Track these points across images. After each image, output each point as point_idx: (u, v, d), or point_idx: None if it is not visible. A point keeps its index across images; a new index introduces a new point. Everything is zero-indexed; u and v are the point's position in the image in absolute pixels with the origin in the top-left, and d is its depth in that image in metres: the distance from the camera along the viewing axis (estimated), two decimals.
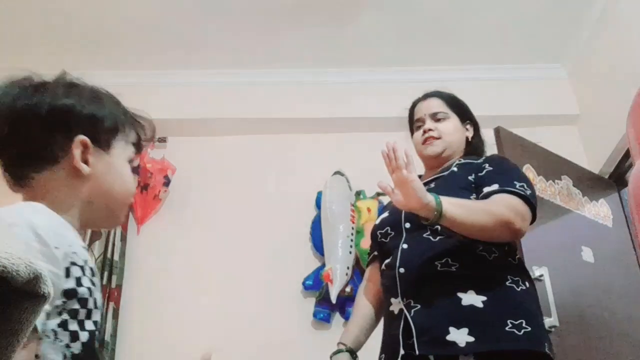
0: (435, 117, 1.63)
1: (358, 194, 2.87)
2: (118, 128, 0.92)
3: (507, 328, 1.25)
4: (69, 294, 0.72)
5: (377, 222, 1.60)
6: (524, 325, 1.25)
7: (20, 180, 0.85)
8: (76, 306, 0.73)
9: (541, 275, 2.10)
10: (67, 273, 0.72)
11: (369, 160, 2.95)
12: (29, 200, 0.81)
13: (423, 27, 2.96)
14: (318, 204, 2.83)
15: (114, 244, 2.72)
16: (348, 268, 2.60)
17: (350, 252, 2.63)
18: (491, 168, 1.46)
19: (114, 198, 0.88)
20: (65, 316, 0.72)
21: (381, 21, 2.92)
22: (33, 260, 0.67)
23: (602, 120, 2.87)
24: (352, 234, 2.68)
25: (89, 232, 2.75)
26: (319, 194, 2.84)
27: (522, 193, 1.37)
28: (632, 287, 2.46)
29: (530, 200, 1.37)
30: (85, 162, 0.83)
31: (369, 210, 2.78)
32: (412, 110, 1.73)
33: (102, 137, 0.86)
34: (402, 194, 1.27)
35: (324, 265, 2.66)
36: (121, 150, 0.90)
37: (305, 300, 2.68)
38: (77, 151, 0.82)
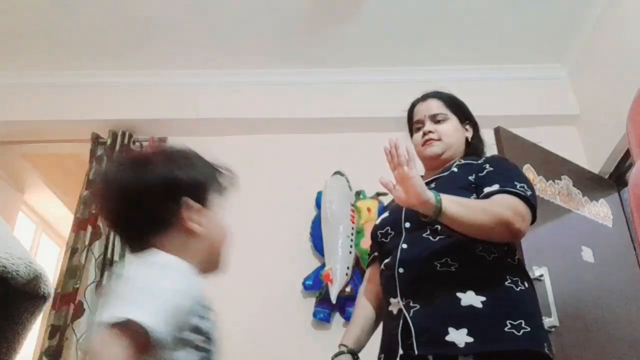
0: (434, 119, 1.62)
1: (358, 194, 2.87)
2: (211, 184, 1.04)
3: (506, 328, 1.24)
4: (197, 330, 0.85)
5: (378, 222, 1.60)
6: (523, 325, 1.25)
7: (140, 248, 0.91)
8: (199, 339, 0.86)
9: (541, 275, 2.09)
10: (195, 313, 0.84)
11: (369, 160, 2.95)
12: None
13: (423, 28, 2.96)
14: (318, 204, 2.83)
15: (114, 244, 2.71)
16: (348, 268, 2.60)
17: (350, 252, 2.63)
18: (492, 168, 1.46)
19: (220, 246, 1.02)
20: (190, 348, 0.84)
21: (381, 21, 2.92)
22: (32, 260, 0.67)
23: (602, 120, 2.87)
24: (352, 234, 2.68)
25: (89, 232, 2.75)
26: (319, 194, 2.84)
27: (523, 194, 1.37)
28: (632, 287, 2.46)
29: (531, 201, 1.37)
30: (194, 221, 0.94)
31: (369, 210, 2.78)
32: (410, 112, 1.72)
33: (202, 196, 0.98)
34: (402, 191, 1.27)
35: (324, 265, 2.66)
36: (215, 201, 1.03)
37: (305, 300, 2.67)
38: (187, 214, 0.93)
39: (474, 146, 1.66)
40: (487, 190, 1.39)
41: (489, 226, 1.30)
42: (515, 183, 1.39)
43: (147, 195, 0.92)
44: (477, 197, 1.41)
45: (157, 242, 0.91)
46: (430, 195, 1.25)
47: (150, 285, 0.81)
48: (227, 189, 1.08)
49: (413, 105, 1.72)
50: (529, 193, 1.38)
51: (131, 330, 0.73)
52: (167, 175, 0.94)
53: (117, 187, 0.93)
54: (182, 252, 0.90)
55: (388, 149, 1.31)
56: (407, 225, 1.45)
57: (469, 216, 1.29)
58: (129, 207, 0.92)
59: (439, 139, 1.59)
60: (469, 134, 1.67)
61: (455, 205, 1.28)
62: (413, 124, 1.69)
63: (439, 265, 1.35)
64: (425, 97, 1.69)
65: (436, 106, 1.65)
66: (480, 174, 1.46)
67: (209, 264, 0.99)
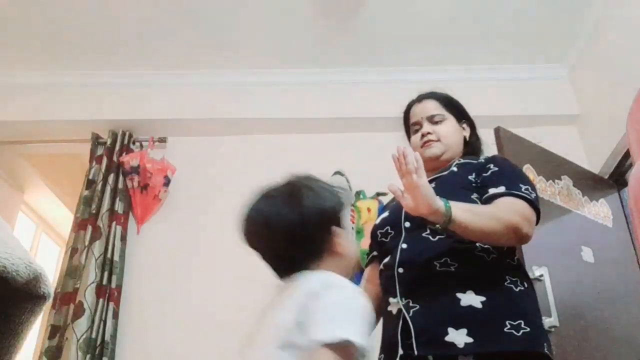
0: (432, 120, 1.62)
1: (358, 194, 2.87)
2: (343, 207, 1.12)
3: (505, 329, 1.24)
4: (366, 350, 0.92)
5: (378, 221, 1.60)
6: (522, 325, 1.25)
7: (294, 272, 1.05)
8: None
9: (541, 275, 2.10)
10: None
11: (369, 160, 2.97)
12: None
13: (423, 28, 2.96)
14: None
15: (114, 244, 2.71)
16: None
17: None
18: (496, 168, 1.46)
19: (355, 257, 1.14)
20: None
21: (381, 21, 2.92)
22: (32, 260, 0.67)
23: (602, 120, 2.87)
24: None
25: (89, 232, 2.75)
26: None
27: (528, 197, 1.37)
28: (632, 287, 2.46)
29: (536, 204, 1.38)
30: (340, 244, 1.05)
31: (369, 210, 2.78)
32: (406, 113, 1.72)
33: (340, 220, 1.08)
34: (411, 199, 1.25)
35: None
36: (344, 218, 1.11)
37: None
38: (337, 240, 1.04)
39: (472, 145, 1.66)
40: (492, 191, 1.39)
41: (498, 232, 1.30)
42: (521, 185, 1.39)
43: (307, 230, 1.03)
44: (481, 197, 1.41)
45: (314, 266, 1.03)
46: (440, 204, 1.24)
47: (348, 305, 0.93)
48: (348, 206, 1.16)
49: (409, 107, 1.71)
50: (533, 196, 1.39)
51: (347, 350, 0.87)
52: (319, 208, 1.05)
53: (279, 225, 1.05)
54: (340, 270, 1.03)
55: (396, 156, 1.28)
56: (407, 225, 1.45)
57: (479, 224, 1.29)
58: (292, 242, 1.04)
59: (438, 140, 1.59)
60: (467, 133, 1.67)
61: (464, 214, 1.26)
62: (410, 126, 1.69)
63: (438, 265, 1.35)
64: (421, 98, 1.69)
65: (433, 107, 1.64)
66: (484, 174, 1.46)
67: (347, 270, 1.10)
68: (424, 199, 1.23)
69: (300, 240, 1.04)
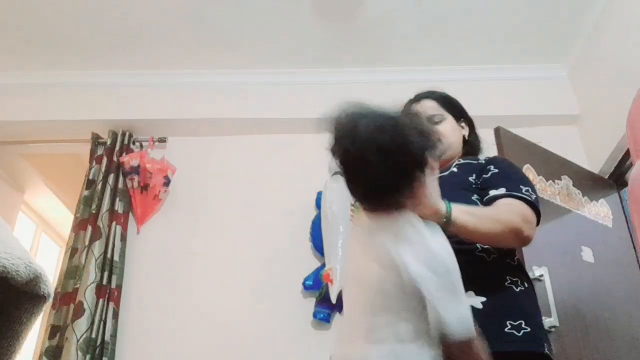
0: (431, 120, 1.61)
1: None
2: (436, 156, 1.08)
3: (506, 329, 1.24)
4: None
5: None
6: (523, 326, 1.25)
7: (379, 209, 1.03)
8: None
9: (541, 275, 2.10)
10: None
11: None
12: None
13: (423, 27, 2.96)
14: (318, 204, 2.83)
15: (114, 244, 2.71)
16: None
17: None
18: (497, 170, 1.46)
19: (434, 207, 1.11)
20: None
21: (381, 21, 2.92)
22: (32, 260, 0.67)
23: (602, 120, 2.87)
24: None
25: (89, 232, 2.75)
26: (319, 194, 2.83)
27: (529, 198, 1.37)
28: (632, 287, 2.46)
29: (536, 206, 1.38)
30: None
31: None
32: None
33: (429, 167, 1.04)
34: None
35: (324, 265, 2.66)
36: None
37: (305, 300, 2.67)
38: (423, 189, 1.02)
39: (471, 144, 1.66)
40: (493, 193, 1.39)
41: (499, 235, 1.31)
42: (521, 187, 1.39)
43: (404, 165, 0.99)
44: (482, 199, 1.41)
45: (395, 204, 0.99)
46: (441, 205, 1.24)
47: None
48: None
49: (406, 107, 1.70)
50: (533, 197, 1.39)
51: None
52: (417, 148, 1.00)
53: (378, 152, 0.98)
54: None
55: None
56: None
57: (480, 226, 1.29)
58: (386, 171, 0.99)
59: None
60: (466, 132, 1.66)
61: (465, 216, 1.27)
62: None
63: None
64: (419, 98, 1.68)
65: (431, 107, 1.64)
66: (484, 176, 1.45)
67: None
68: (426, 199, 1.22)
69: (394, 175, 0.99)
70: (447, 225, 1.25)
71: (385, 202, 1.01)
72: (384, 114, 1.03)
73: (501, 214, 1.32)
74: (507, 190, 1.38)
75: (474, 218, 1.29)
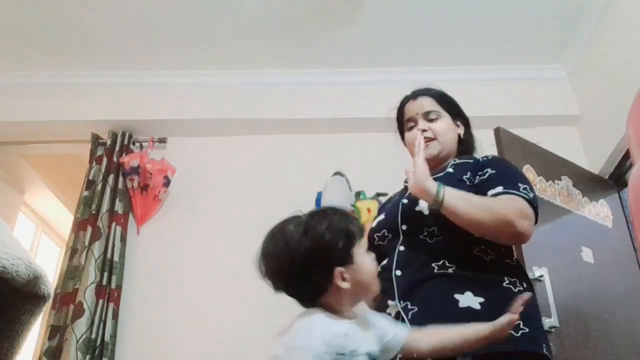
0: (428, 117, 1.60)
1: (358, 194, 2.87)
2: (355, 241, 1.16)
3: None
4: None
5: (374, 225, 1.59)
6: (521, 326, 1.25)
7: (305, 304, 1.16)
8: None
9: (541, 276, 2.09)
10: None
11: (369, 160, 2.98)
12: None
13: (423, 28, 2.96)
14: (318, 204, 2.82)
15: (114, 245, 2.71)
16: None
17: None
18: (494, 171, 1.45)
19: (369, 285, 1.17)
20: None
21: (381, 21, 2.92)
22: (32, 261, 0.67)
23: (602, 120, 2.87)
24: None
25: (89, 232, 2.75)
26: (319, 194, 2.83)
27: (526, 197, 1.37)
28: (632, 287, 2.46)
29: (534, 203, 1.37)
30: (344, 279, 1.11)
31: (369, 210, 2.77)
32: (400, 109, 1.70)
33: (349, 257, 1.13)
34: (411, 178, 1.37)
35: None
36: (359, 250, 1.16)
37: None
38: (338, 279, 1.10)
39: (466, 143, 1.65)
40: (490, 192, 1.38)
41: (490, 225, 1.31)
42: (519, 185, 1.39)
43: (305, 273, 1.12)
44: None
45: (319, 300, 1.13)
46: (431, 185, 1.32)
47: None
48: (362, 235, 1.20)
49: (403, 103, 1.70)
50: (531, 195, 1.38)
51: None
52: (318, 252, 1.12)
53: (282, 265, 1.15)
54: (337, 303, 1.13)
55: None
56: (404, 227, 1.44)
57: (470, 211, 1.30)
58: (293, 281, 1.16)
59: (434, 138, 1.58)
60: (461, 131, 1.65)
61: (456, 199, 1.30)
62: (404, 123, 1.67)
63: (436, 267, 1.34)
64: (416, 95, 1.67)
65: (428, 104, 1.63)
66: (481, 177, 1.45)
67: (362, 297, 1.19)
68: (416, 178, 1.34)
69: (299, 280, 1.13)
70: (439, 206, 1.29)
71: (306, 299, 1.16)
72: (289, 231, 1.17)
73: (495, 204, 1.33)
74: (504, 188, 1.38)
75: (465, 203, 1.30)
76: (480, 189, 1.42)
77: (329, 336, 1.07)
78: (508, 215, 1.31)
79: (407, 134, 1.64)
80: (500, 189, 1.38)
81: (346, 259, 1.13)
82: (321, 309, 1.13)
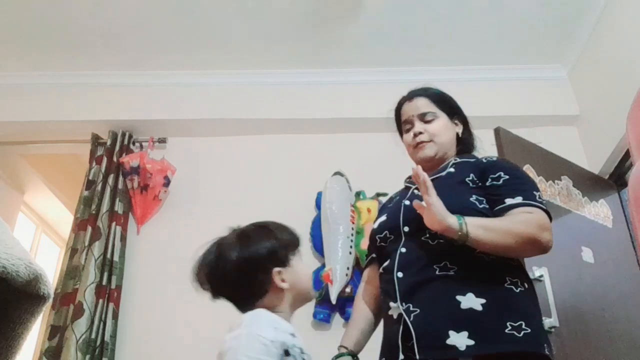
0: (423, 119, 1.59)
1: (358, 194, 2.87)
2: (291, 246, 1.30)
3: (506, 330, 1.24)
4: None
5: (375, 226, 1.58)
6: (523, 327, 1.25)
7: (246, 308, 1.22)
8: None
9: (541, 276, 2.09)
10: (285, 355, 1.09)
11: (369, 160, 2.98)
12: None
13: (423, 28, 2.96)
14: (318, 204, 2.83)
15: (113, 245, 2.71)
16: (348, 269, 2.59)
17: (350, 253, 2.63)
18: (507, 177, 1.44)
19: (306, 287, 1.30)
20: None
21: (381, 21, 2.92)
22: (32, 261, 0.67)
23: (602, 120, 2.87)
24: (352, 235, 2.67)
25: (89, 232, 2.75)
26: (319, 194, 2.84)
27: (542, 206, 1.38)
28: (632, 287, 2.46)
29: (548, 211, 1.39)
30: (282, 280, 1.22)
31: (369, 210, 2.78)
32: (398, 110, 1.69)
33: (287, 260, 1.26)
34: (426, 216, 1.33)
35: (324, 265, 2.66)
36: (296, 257, 1.30)
37: None
38: (277, 279, 1.21)
39: (464, 141, 1.65)
40: (509, 202, 1.38)
41: (517, 247, 1.32)
42: (535, 193, 1.40)
43: (242, 275, 1.22)
44: (495, 207, 1.40)
45: (258, 302, 1.21)
46: (452, 222, 1.29)
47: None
48: (298, 244, 1.35)
49: (400, 105, 1.69)
50: (544, 203, 1.40)
51: None
52: (253, 256, 1.22)
53: (219, 271, 1.23)
54: (277, 303, 1.22)
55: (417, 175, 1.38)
56: (406, 229, 1.44)
57: (496, 240, 1.31)
58: (232, 285, 1.23)
59: (430, 140, 1.57)
60: (459, 130, 1.64)
61: (480, 231, 1.30)
62: (402, 124, 1.67)
63: (438, 269, 1.34)
64: (412, 96, 1.66)
65: (424, 105, 1.61)
66: (494, 182, 1.44)
67: (299, 302, 1.28)
68: (435, 218, 1.30)
69: (239, 283, 1.21)
70: (465, 240, 1.29)
71: (246, 303, 1.23)
72: (230, 240, 1.28)
73: (516, 226, 1.33)
74: (523, 199, 1.38)
75: (490, 233, 1.31)
76: (495, 195, 1.41)
77: (278, 326, 1.14)
78: (531, 233, 1.32)
79: (405, 136, 1.64)
80: (519, 199, 1.38)
81: (284, 262, 1.23)
82: (264, 308, 1.19)
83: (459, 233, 1.28)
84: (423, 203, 1.34)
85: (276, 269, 1.22)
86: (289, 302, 1.24)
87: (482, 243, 1.31)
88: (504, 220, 1.36)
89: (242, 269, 1.21)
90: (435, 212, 1.29)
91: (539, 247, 1.34)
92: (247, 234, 1.30)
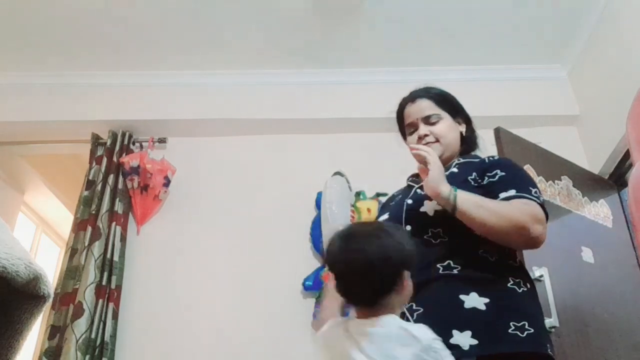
0: (428, 121, 1.59)
1: (358, 194, 2.87)
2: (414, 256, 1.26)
3: (510, 330, 1.24)
4: None
5: None
6: (526, 327, 1.25)
7: (372, 306, 1.17)
8: None
9: (541, 276, 2.09)
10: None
11: (369, 160, 2.98)
12: (375, 316, 1.16)
13: (423, 28, 2.96)
14: (318, 204, 2.83)
15: (113, 245, 2.71)
16: None
17: None
18: (504, 173, 1.44)
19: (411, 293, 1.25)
20: None
21: (381, 22, 2.92)
22: (32, 261, 0.67)
23: (602, 120, 2.87)
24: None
25: (89, 232, 2.75)
26: (319, 194, 2.84)
27: (538, 201, 1.37)
28: (632, 287, 2.46)
29: (544, 207, 1.38)
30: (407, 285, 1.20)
31: (368, 210, 2.78)
32: (400, 112, 1.69)
33: (411, 266, 1.20)
34: (424, 182, 1.38)
35: (324, 265, 2.66)
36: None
37: (305, 300, 2.67)
38: (405, 283, 1.18)
39: (469, 140, 1.65)
40: (502, 195, 1.38)
41: (505, 230, 1.31)
42: (530, 188, 1.40)
43: (386, 268, 1.17)
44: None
45: (382, 302, 1.17)
46: (444, 189, 1.32)
47: None
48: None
49: (402, 106, 1.68)
50: (541, 199, 1.39)
51: None
52: (398, 251, 1.19)
53: (364, 260, 1.17)
54: (395, 308, 1.19)
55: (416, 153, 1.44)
56: (408, 228, 1.44)
57: (484, 217, 1.30)
58: (371, 276, 1.17)
59: (437, 141, 1.57)
60: (463, 129, 1.64)
61: (469, 204, 1.31)
62: (405, 127, 1.66)
63: (441, 268, 1.34)
64: (414, 98, 1.65)
65: (427, 107, 1.61)
66: (491, 179, 1.44)
67: (406, 302, 1.25)
68: (429, 182, 1.34)
69: (378, 276, 1.16)
70: (452, 211, 1.29)
71: (378, 303, 1.17)
72: (367, 234, 1.22)
73: (509, 210, 1.33)
74: (517, 192, 1.38)
75: (480, 209, 1.31)
76: (490, 191, 1.41)
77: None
78: (522, 220, 1.31)
79: (409, 138, 1.64)
80: (512, 192, 1.38)
81: (408, 267, 1.20)
82: (388, 313, 1.17)
83: (448, 202, 1.31)
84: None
85: (406, 271, 1.20)
86: (403, 302, 1.23)
87: (470, 218, 1.30)
88: (499, 203, 1.36)
89: (383, 263, 1.16)
90: (431, 176, 1.34)
91: (527, 237, 1.32)
92: (383, 229, 1.25)
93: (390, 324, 1.14)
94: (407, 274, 1.18)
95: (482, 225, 1.31)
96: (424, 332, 1.12)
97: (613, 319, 2.29)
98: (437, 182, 1.32)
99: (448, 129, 1.60)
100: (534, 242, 1.35)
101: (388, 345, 1.10)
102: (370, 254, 1.15)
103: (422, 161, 1.40)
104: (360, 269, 1.15)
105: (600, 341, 2.20)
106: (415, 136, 1.60)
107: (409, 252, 1.19)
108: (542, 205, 1.37)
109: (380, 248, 1.16)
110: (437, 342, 1.11)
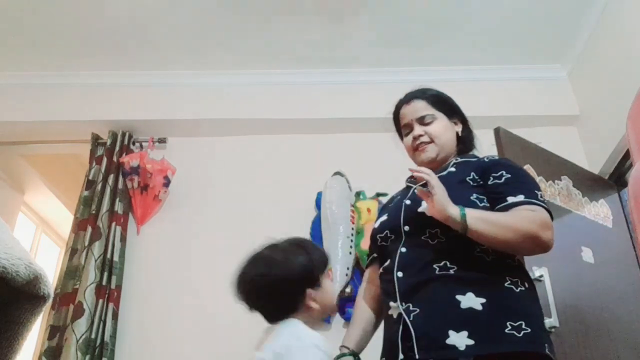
0: (422, 122, 1.59)
1: (358, 194, 2.87)
2: (322, 266, 1.38)
3: (506, 330, 1.24)
4: None
5: (376, 225, 1.58)
6: (523, 326, 1.25)
7: (277, 321, 1.32)
8: None
9: (541, 276, 2.09)
10: None
11: (369, 160, 2.98)
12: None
13: (423, 28, 2.96)
14: (318, 205, 2.83)
15: (113, 245, 2.71)
16: (348, 269, 2.60)
17: (350, 253, 2.63)
18: (509, 175, 1.45)
19: (331, 306, 1.42)
20: None
21: (381, 21, 2.92)
22: (32, 261, 0.67)
23: (602, 121, 2.87)
24: (352, 235, 2.67)
25: (89, 232, 2.75)
26: (319, 195, 2.84)
27: (544, 205, 1.38)
28: (632, 287, 2.46)
29: (550, 210, 1.39)
30: (314, 301, 1.31)
31: (368, 210, 2.78)
32: (396, 114, 1.70)
33: (318, 281, 1.34)
34: (429, 205, 1.35)
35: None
36: (324, 276, 1.38)
37: None
38: (309, 300, 1.29)
39: (466, 140, 1.65)
40: (511, 200, 1.38)
41: (517, 242, 1.32)
42: (536, 192, 1.41)
43: (280, 293, 1.30)
44: (497, 205, 1.41)
45: (291, 316, 1.30)
46: (454, 211, 1.30)
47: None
48: (327, 263, 1.41)
49: (397, 108, 1.69)
50: (545, 201, 1.40)
51: None
52: (291, 274, 1.30)
53: (260, 286, 1.33)
54: (306, 319, 1.30)
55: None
56: (407, 228, 1.44)
57: (496, 233, 1.31)
58: (270, 299, 1.33)
59: (431, 141, 1.57)
60: (459, 129, 1.64)
61: (480, 223, 1.30)
62: (401, 127, 1.67)
63: (438, 268, 1.34)
64: (409, 99, 1.66)
65: (422, 107, 1.62)
66: (496, 180, 1.44)
67: (324, 315, 1.39)
68: (437, 207, 1.31)
69: (272, 300, 1.30)
70: (464, 232, 1.29)
71: (278, 317, 1.31)
72: (269, 256, 1.35)
73: (517, 221, 1.33)
74: (525, 198, 1.38)
75: (490, 226, 1.31)
76: (496, 192, 1.42)
77: (322, 339, 1.23)
78: (533, 230, 1.32)
79: (405, 140, 1.65)
80: (521, 197, 1.38)
81: (315, 283, 1.31)
82: (298, 319, 1.28)
83: (459, 224, 1.30)
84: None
85: (309, 291, 1.29)
86: (315, 316, 1.33)
87: (482, 236, 1.31)
88: (506, 215, 1.36)
89: (277, 287, 1.28)
90: (437, 200, 1.31)
91: (539, 244, 1.34)
92: (282, 251, 1.35)
93: (287, 326, 1.27)
94: (309, 292, 1.28)
95: (493, 240, 1.32)
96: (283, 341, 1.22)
97: (613, 319, 2.29)
98: (444, 205, 1.31)
99: (443, 129, 1.60)
100: (545, 248, 1.36)
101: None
102: (266, 280, 1.29)
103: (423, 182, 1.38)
104: (257, 294, 1.31)
105: (600, 341, 2.20)
106: (410, 137, 1.61)
107: (302, 272, 1.28)
108: (547, 209, 1.38)
109: (277, 273, 1.28)
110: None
